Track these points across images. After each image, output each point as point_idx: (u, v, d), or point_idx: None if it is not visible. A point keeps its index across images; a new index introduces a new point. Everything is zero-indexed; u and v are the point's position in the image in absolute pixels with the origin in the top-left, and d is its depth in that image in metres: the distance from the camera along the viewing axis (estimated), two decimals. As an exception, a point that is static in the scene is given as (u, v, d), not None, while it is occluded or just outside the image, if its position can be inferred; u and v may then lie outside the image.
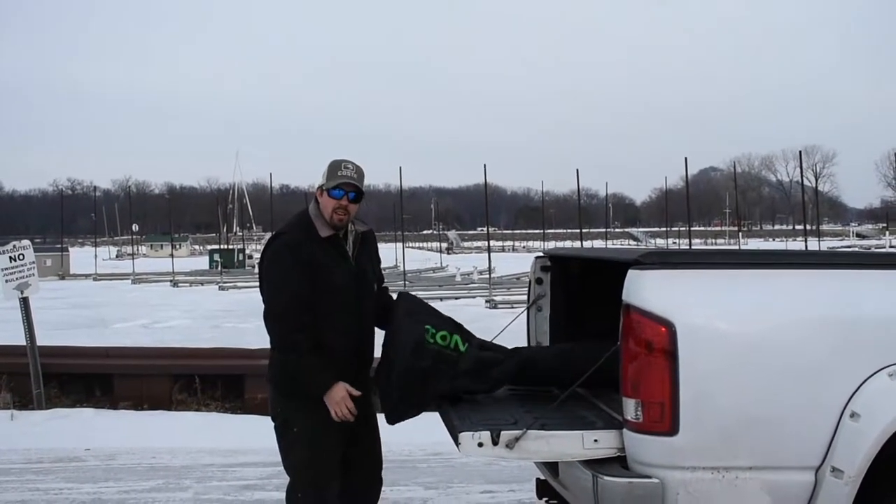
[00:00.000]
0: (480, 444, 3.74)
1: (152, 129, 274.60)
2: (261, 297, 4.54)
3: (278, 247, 4.51)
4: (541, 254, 5.67)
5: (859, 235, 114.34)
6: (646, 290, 3.62)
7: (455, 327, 4.65)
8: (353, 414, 4.44)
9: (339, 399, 4.42)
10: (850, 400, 3.55)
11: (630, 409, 3.61)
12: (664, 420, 3.52)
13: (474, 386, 4.51)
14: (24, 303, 10.85)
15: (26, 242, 11.09)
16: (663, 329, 3.53)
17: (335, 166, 4.57)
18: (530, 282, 5.60)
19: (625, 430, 3.67)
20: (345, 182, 4.51)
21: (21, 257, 10.84)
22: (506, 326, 5.65)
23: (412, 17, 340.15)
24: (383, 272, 5.09)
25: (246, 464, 8.02)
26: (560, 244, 61.27)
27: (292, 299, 4.40)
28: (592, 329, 4.90)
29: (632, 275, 3.68)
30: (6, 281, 10.81)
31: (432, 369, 4.42)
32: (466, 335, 4.65)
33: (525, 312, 5.64)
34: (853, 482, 3.47)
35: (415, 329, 4.52)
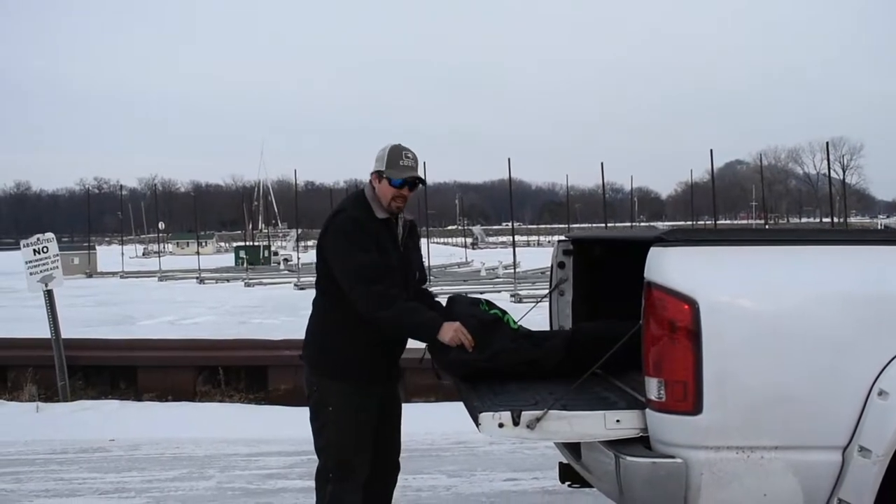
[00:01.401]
0: (501, 425, 3.69)
1: (178, 127, 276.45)
2: (333, 273, 4.51)
3: (343, 220, 4.53)
4: (563, 238, 5.61)
5: (888, 227, 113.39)
6: (668, 267, 3.56)
7: (504, 313, 4.73)
8: (471, 343, 4.40)
9: (455, 329, 4.40)
10: (878, 378, 3.47)
11: (653, 388, 3.55)
12: (687, 399, 3.46)
13: (528, 352, 4.45)
14: (49, 295, 10.91)
15: (50, 235, 11.13)
16: (686, 307, 3.47)
17: (396, 154, 4.60)
18: (552, 266, 5.54)
19: (647, 410, 3.61)
20: (409, 175, 4.58)
21: (45, 250, 10.90)
22: (529, 310, 5.61)
23: (436, 13, 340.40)
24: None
25: (269, 453, 8.02)
26: (585, 238, 60.86)
27: (371, 262, 4.41)
28: (616, 313, 4.84)
29: (654, 252, 3.62)
30: (31, 274, 10.88)
31: (491, 324, 4.50)
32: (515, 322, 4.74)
33: (548, 297, 5.59)
34: (881, 462, 3.39)
35: (471, 302, 4.74)
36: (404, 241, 4.70)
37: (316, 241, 4.85)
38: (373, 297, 4.38)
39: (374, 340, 4.53)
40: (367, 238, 4.46)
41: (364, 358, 4.57)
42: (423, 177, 4.70)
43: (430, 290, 5.16)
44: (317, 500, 4.71)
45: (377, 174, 4.61)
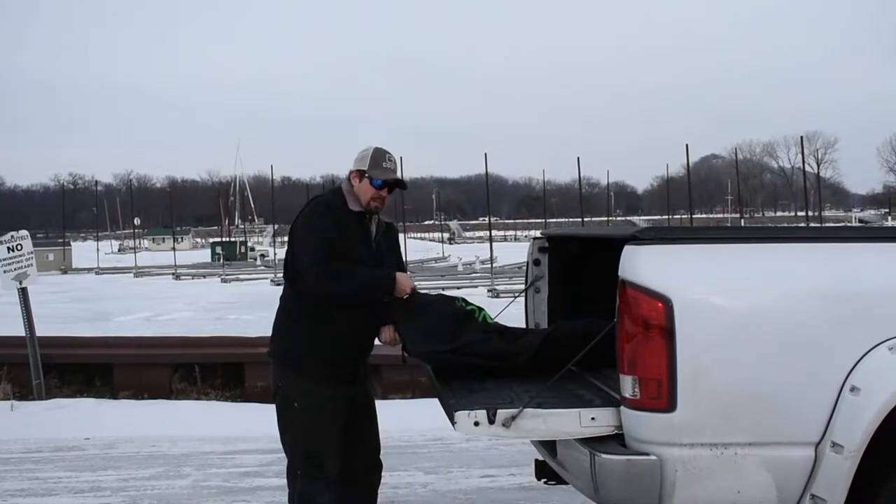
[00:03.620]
0: (477, 424, 3.69)
1: (153, 122, 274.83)
2: (294, 260, 4.56)
3: (315, 205, 4.64)
4: (538, 235, 5.63)
5: (862, 221, 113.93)
6: (642, 265, 3.57)
7: (480, 310, 4.75)
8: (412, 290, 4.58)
9: (406, 280, 4.58)
10: (850, 374, 3.50)
11: (627, 386, 3.56)
12: (662, 397, 3.48)
13: (498, 345, 4.46)
14: (23, 293, 10.83)
15: (24, 233, 11.06)
16: (660, 304, 3.48)
17: (379, 156, 4.70)
18: (528, 263, 5.55)
19: (622, 408, 3.62)
20: (391, 177, 4.70)
21: (19, 248, 10.82)
22: (507, 306, 5.62)
23: (410, 5, 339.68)
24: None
25: (246, 451, 8.01)
26: (562, 233, 61.06)
27: (327, 241, 4.46)
28: (591, 309, 4.86)
29: (628, 250, 3.63)
30: (4, 272, 10.80)
31: (464, 316, 4.53)
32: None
33: (523, 295, 5.60)
34: (853, 457, 3.42)
35: (446, 296, 4.78)
36: (377, 240, 4.72)
37: None
38: (321, 274, 4.43)
39: (342, 335, 4.54)
40: (331, 222, 4.51)
41: (331, 353, 4.57)
42: (404, 180, 4.81)
43: None
44: (288, 497, 4.71)
45: (358, 172, 4.67)
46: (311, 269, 4.43)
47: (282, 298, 4.76)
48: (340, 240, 4.47)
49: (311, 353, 4.57)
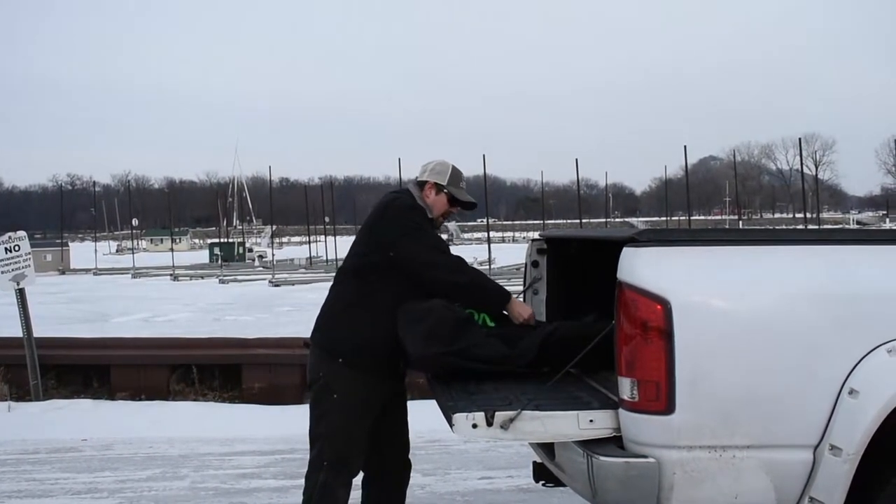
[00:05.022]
0: (475, 426, 3.68)
1: (151, 123, 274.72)
2: (396, 246, 4.54)
3: (407, 202, 4.70)
4: (536, 236, 5.62)
5: (860, 223, 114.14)
6: (640, 267, 3.56)
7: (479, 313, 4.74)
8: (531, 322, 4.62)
9: (524, 307, 4.67)
10: (849, 377, 3.49)
11: (625, 388, 3.56)
12: (660, 399, 3.47)
13: (498, 349, 4.43)
14: (21, 294, 10.81)
15: (21, 233, 11.05)
16: (658, 307, 3.47)
17: (458, 175, 4.88)
18: (526, 265, 5.55)
19: (620, 410, 3.62)
20: (470, 199, 4.91)
21: (17, 248, 10.81)
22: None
23: (410, 6, 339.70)
24: None
25: (243, 452, 7.99)
26: (560, 234, 61.06)
27: (441, 239, 4.69)
28: (589, 311, 4.85)
29: (626, 252, 3.63)
30: (2, 272, 10.78)
31: (464, 320, 4.49)
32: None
33: (522, 296, 5.59)
34: (852, 460, 3.41)
35: (447, 302, 4.66)
36: None
37: (361, 226, 4.90)
38: (451, 262, 4.54)
39: (392, 334, 4.49)
40: (425, 221, 4.67)
41: (380, 349, 4.54)
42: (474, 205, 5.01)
43: None
44: (305, 489, 4.60)
45: (436, 186, 4.76)
46: (443, 260, 4.54)
47: (337, 291, 4.73)
48: None
49: (364, 346, 4.54)
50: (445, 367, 4.38)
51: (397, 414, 4.87)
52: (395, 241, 4.54)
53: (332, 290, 4.78)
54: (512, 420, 3.66)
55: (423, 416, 7.60)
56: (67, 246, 62.84)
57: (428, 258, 4.51)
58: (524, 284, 5.55)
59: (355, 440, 4.59)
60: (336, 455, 4.54)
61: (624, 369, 3.56)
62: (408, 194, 4.75)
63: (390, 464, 4.83)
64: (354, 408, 4.54)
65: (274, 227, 72.50)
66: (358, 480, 4.73)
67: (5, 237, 10.92)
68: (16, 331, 10.90)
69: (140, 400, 10.50)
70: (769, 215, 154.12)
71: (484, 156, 39.12)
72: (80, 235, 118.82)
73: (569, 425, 3.69)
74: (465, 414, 3.69)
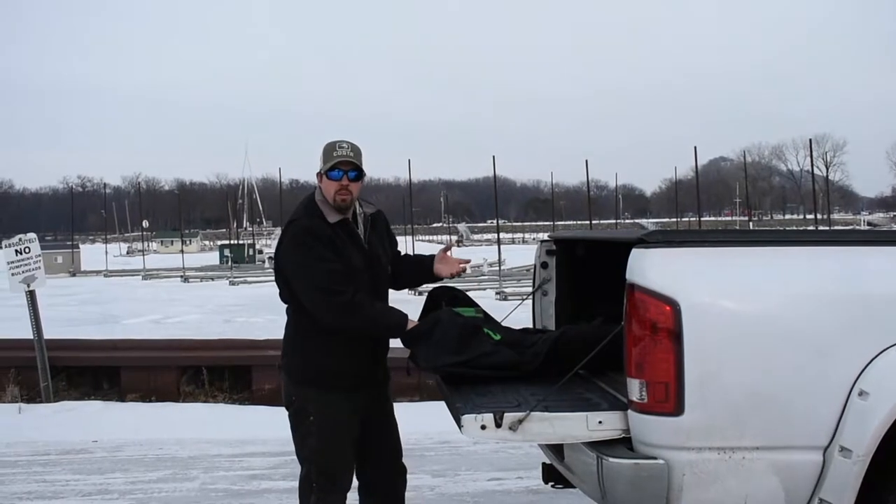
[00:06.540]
0: (484, 427, 3.67)
1: (162, 125, 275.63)
2: (291, 286, 4.40)
3: (296, 231, 4.39)
4: (546, 238, 5.61)
5: (870, 224, 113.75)
6: (650, 268, 3.55)
7: (486, 321, 4.65)
8: None
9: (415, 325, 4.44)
10: (859, 378, 3.48)
11: (635, 389, 3.55)
12: (669, 400, 3.46)
13: (508, 356, 4.40)
14: (31, 296, 10.86)
15: (32, 235, 11.10)
16: (668, 308, 3.46)
17: (329, 148, 4.47)
18: (535, 266, 5.54)
19: (630, 412, 3.61)
20: (341, 161, 4.42)
21: (27, 250, 10.86)
22: (514, 308, 5.60)
23: (420, 6, 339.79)
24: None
25: (253, 454, 8.01)
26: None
27: (330, 271, 4.29)
28: (599, 312, 4.85)
29: (635, 253, 3.62)
30: (13, 274, 10.83)
31: (473, 330, 4.41)
32: (498, 327, 4.66)
33: (531, 298, 5.59)
34: (862, 461, 3.40)
35: (454, 312, 4.59)
36: (368, 238, 4.57)
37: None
38: (335, 307, 4.29)
39: (353, 346, 4.44)
40: (323, 246, 4.32)
41: (343, 365, 4.46)
42: (357, 162, 4.46)
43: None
44: None
45: (319, 175, 4.50)
46: (325, 305, 4.30)
47: (288, 314, 4.63)
48: (335, 258, 4.33)
49: (324, 366, 4.46)
50: (454, 376, 4.37)
51: (383, 421, 4.75)
52: (289, 279, 4.43)
53: (287, 315, 4.65)
54: (521, 421, 3.65)
55: (432, 417, 7.60)
56: (78, 248, 62.99)
57: (316, 302, 4.33)
58: (533, 285, 5.54)
59: (340, 457, 4.53)
60: (324, 476, 4.50)
61: (633, 370, 3.55)
62: (305, 206, 4.52)
63: (383, 471, 4.76)
64: (332, 427, 4.47)
65: (284, 229, 72.41)
66: (356, 484, 4.73)
67: (15, 239, 10.97)
68: (26, 333, 10.94)
69: (150, 402, 10.53)
70: (779, 216, 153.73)
71: (494, 157, 39.16)
72: (90, 237, 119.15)
73: (578, 427, 3.68)
74: (473, 415, 3.68)
